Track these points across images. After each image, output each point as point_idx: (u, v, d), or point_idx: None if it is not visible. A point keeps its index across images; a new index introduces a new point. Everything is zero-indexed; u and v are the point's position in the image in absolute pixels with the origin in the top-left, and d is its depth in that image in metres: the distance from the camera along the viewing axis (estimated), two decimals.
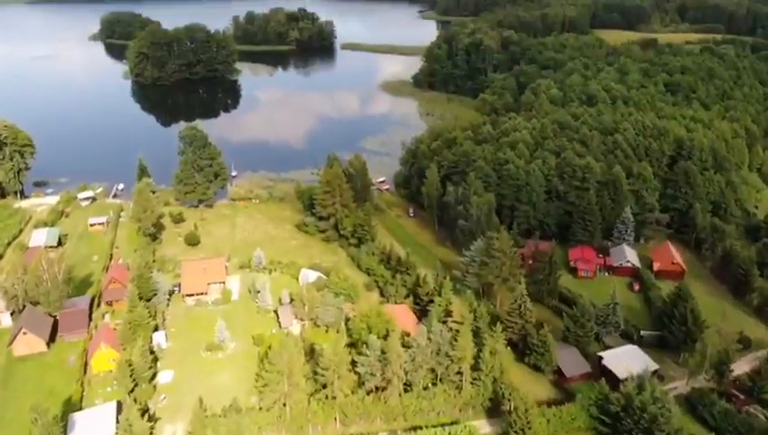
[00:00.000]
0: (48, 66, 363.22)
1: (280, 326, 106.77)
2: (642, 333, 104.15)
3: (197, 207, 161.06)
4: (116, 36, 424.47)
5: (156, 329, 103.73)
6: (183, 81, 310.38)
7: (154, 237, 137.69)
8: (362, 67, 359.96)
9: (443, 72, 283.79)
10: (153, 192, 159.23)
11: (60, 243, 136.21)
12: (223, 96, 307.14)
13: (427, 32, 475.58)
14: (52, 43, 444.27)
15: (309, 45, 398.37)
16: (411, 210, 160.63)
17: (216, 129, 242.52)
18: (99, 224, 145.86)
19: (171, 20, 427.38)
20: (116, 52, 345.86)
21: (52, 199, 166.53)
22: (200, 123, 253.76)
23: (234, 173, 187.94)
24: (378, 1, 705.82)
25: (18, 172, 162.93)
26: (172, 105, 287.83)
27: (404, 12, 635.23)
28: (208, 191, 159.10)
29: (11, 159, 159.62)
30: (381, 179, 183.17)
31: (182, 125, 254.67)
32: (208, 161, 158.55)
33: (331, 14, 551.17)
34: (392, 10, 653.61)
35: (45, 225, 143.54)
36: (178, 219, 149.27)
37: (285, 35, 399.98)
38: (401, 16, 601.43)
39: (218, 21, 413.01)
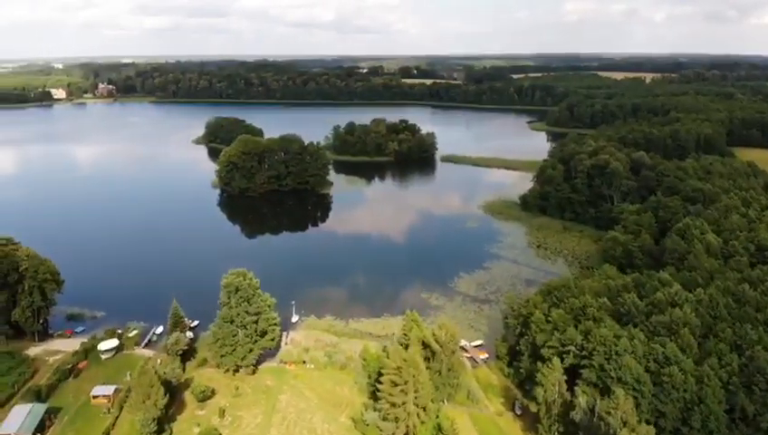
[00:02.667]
0: (143, 170, 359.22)
1: None
2: None
3: (237, 372, 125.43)
4: (218, 141, 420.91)
5: None
6: (271, 192, 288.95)
7: (161, 430, 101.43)
8: (463, 182, 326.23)
9: (558, 196, 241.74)
10: (183, 352, 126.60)
11: (42, 428, 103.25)
12: (312, 209, 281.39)
13: (536, 144, 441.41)
14: (156, 144, 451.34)
15: (408, 157, 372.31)
16: (517, 405, 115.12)
17: (295, 247, 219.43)
18: (104, 397, 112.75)
19: (275, 127, 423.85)
20: (216, 157, 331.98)
21: (78, 342, 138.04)
22: (283, 237, 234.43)
23: (294, 318, 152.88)
24: (483, 110, 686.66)
25: (38, 311, 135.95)
26: (257, 218, 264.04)
27: (511, 122, 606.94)
28: (250, 355, 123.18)
29: (30, 295, 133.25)
30: (478, 343, 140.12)
31: (265, 240, 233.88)
32: (254, 317, 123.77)
33: (436, 122, 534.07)
34: (498, 119, 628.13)
35: (37, 394, 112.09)
36: (204, 397, 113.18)
37: (384, 147, 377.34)
38: (508, 127, 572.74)
39: (325, 129, 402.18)
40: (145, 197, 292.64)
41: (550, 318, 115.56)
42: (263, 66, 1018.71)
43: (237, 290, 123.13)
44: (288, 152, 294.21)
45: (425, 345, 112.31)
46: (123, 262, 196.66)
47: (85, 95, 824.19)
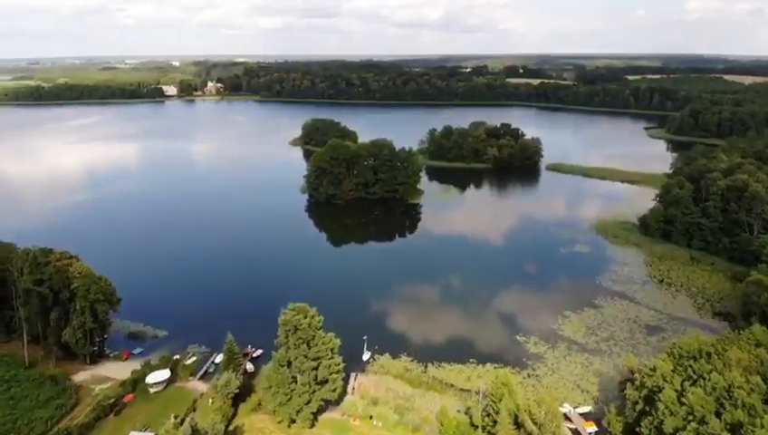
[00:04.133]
0: (234, 171, 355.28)
1: None
2: None
3: (292, 423, 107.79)
4: (313, 143, 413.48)
5: None
6: (358, 200, 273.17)
7: None
8: (571, 196, 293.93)
9: (685, 221, 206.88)
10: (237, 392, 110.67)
11: None
12: (399, 220, 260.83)
13: (655, 153, 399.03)
14: (253, 144, 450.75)
15: (508, 164, 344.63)
16: None
17: (376, 263, 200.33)
18: None
19: (371, 129, 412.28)
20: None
21: (131, 368, 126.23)
22: (365, 250, 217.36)
23: (366, 356, 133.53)
24: (595, 114, 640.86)
25: (90, 332, 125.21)
26: (340, 228, 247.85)
27: (626, 127, 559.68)
28: (307, 407, 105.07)
29: (81, 315, 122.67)
30: (585, 410, 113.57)
31: (346, 253, 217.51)
32: (314, 362, 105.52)
33: (541, 124, 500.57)
34: (611, 124, 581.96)
35: None
36: None
37: (482, 152, 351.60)
38: (623, 132, 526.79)
39: (421, 132, 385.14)
40: (232, 200, 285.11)
41: (684, 399, 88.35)
42: (366, 66, 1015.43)
43: (296, 329, 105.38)
44: (378, 158, 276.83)
45: (517, 423, 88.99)
46: (196, 273, 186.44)
47: (195, 93, 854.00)
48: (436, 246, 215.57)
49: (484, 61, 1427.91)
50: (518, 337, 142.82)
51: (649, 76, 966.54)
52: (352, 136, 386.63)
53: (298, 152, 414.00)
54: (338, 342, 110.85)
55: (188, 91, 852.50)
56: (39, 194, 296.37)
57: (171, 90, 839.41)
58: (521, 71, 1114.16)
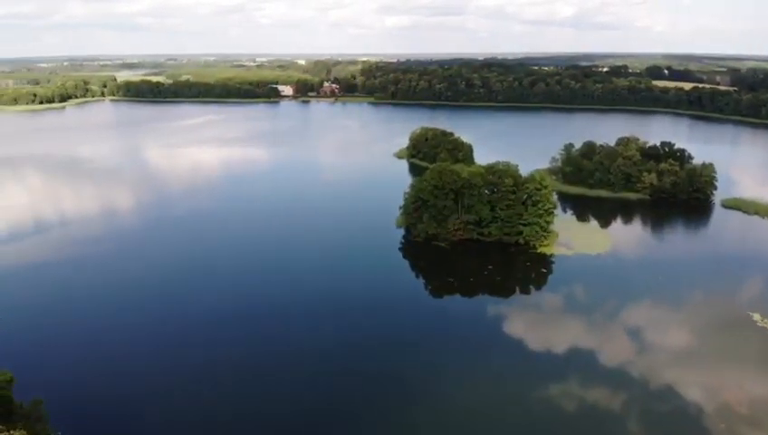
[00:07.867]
0: (320, 192, 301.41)
1: None
2: None
3: None
4: (420, 156, 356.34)
5: None
6: (466, 242, 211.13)
7: None
8: (758, 248, 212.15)
9: None
10: None
11: None
12: (523, 280, 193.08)
13: None
14: (356, 155, 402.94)
15: (671, 195, 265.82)
16: None
17: (485, 368, 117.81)
18: None
19: (490, 140, 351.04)
20: (417, 176, 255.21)
21: None
22: (476, 338, 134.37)
23: None
24: (756, 126, 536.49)
25: None
26: (440, 286, 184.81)
27: None
28: None
29: None
30: None
31: (449, 339, 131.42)
32: None
33: (693, 138, 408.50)
34: None
35: None
36: None
37: (635, 178, 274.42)
38: None
39: (551, 143, 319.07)
40: (307, 235, 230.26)
41: None
42: (488, 65, 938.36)
43: None
44: (497, 190, 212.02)
45: None
46: (220, 360, 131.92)
47: (309, 93, 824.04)
48: (573, 340, 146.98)
49: (620, 60, 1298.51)
50: None
51: None
52: (466, 150, 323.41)
53: (403, 167, 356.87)
54: None
55: (304, 91, 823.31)
56: (87, 212, 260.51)
57: (287, 90, 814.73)
58: (665, 72, 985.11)
